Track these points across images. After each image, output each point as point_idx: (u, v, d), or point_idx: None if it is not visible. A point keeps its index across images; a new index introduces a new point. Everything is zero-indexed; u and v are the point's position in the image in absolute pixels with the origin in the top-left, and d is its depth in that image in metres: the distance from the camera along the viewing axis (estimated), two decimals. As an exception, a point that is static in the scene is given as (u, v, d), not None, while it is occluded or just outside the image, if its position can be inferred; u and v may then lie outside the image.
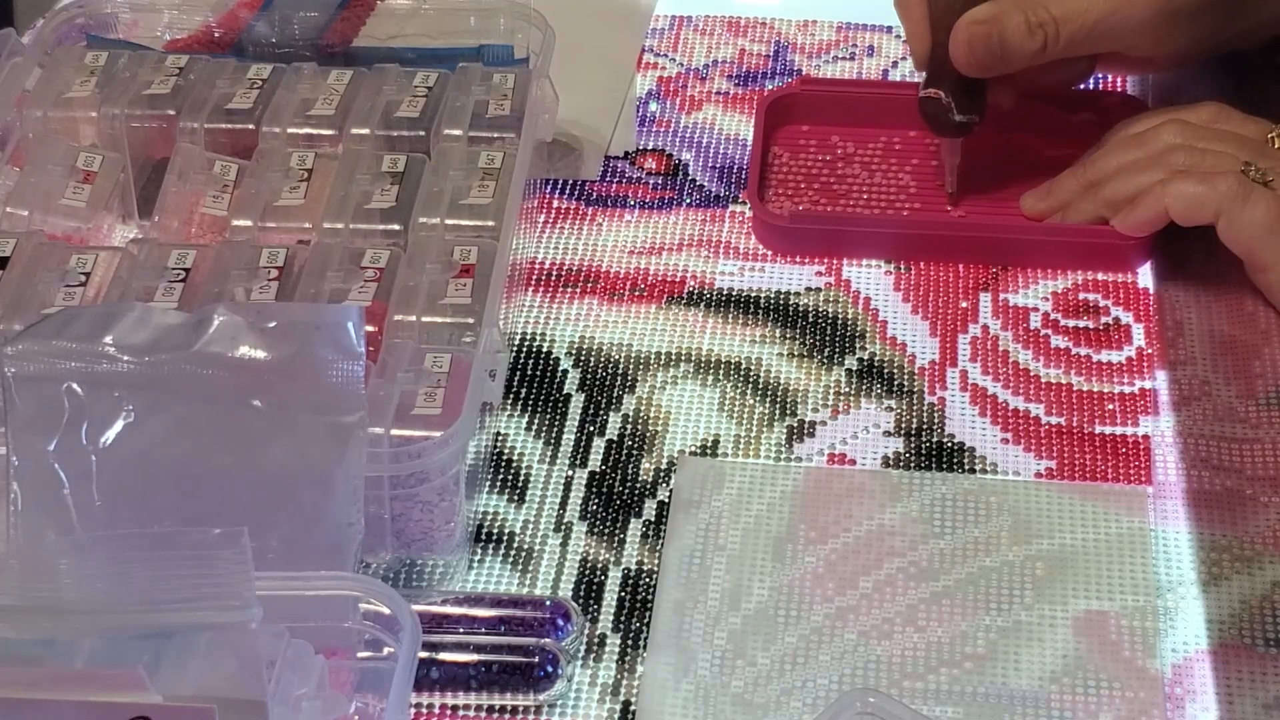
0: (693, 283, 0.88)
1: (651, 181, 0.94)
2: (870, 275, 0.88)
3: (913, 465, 0.78)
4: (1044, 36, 0.82)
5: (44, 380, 0.66)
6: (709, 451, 0.79)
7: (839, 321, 0.85)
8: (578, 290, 0.87)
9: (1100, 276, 0.87)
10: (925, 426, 0.80)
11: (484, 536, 0.75)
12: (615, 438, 0.80)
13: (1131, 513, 0.75)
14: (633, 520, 0.76)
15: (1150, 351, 0.83)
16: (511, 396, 0.82)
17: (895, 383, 0.82)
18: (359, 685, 0.64)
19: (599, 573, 0.74)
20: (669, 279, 0.88)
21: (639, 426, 0.80)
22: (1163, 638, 0.71)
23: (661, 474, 0.78)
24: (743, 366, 0.83)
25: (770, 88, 1.00)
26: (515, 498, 0.77)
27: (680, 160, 0.95)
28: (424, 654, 0.67)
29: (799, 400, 0.81)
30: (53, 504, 0.65)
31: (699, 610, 0.72)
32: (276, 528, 0.65)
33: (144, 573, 0.56)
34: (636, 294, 0.87)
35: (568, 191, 0.93)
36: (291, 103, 0.87)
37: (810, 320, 0.85)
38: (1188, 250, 0.87)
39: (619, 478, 0.78)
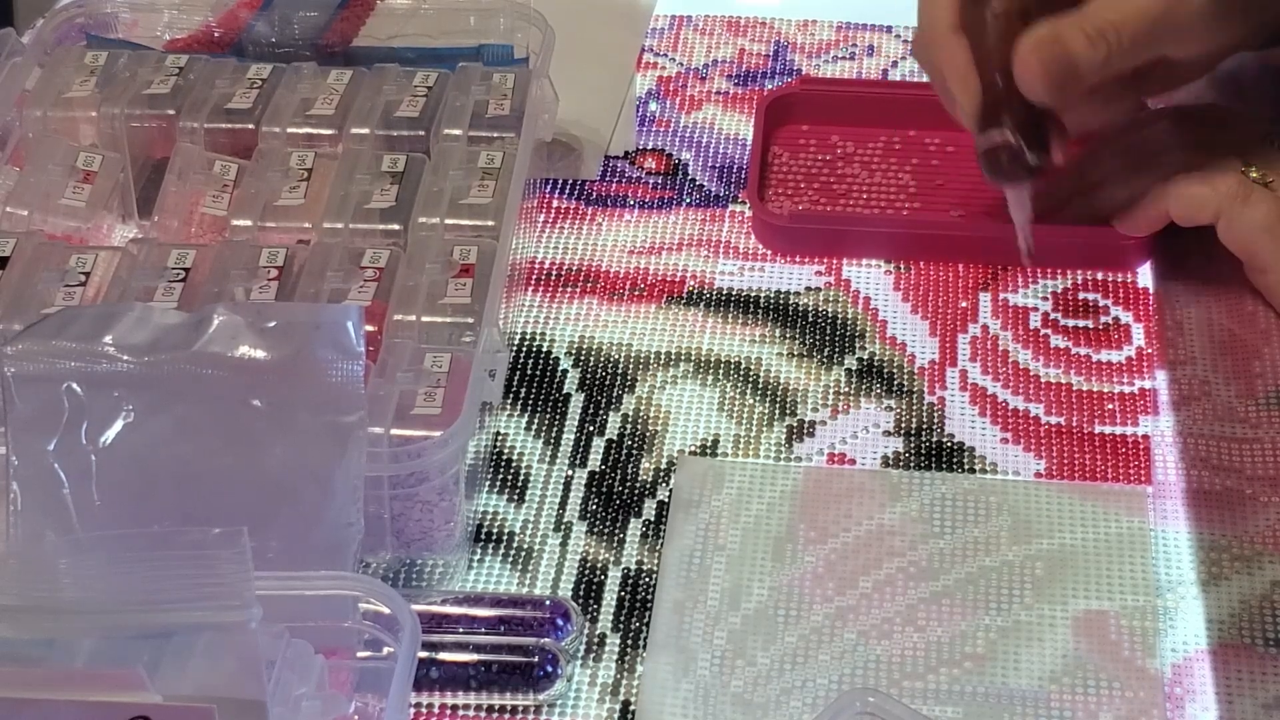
0: (692, 282, 0.88)
1: (651, 181, 0.94)
2: (870, 275, 0.88)
3: (912, 465, 0.78)
4: (1106, 45, 0.78)
5: (44, 380, 0.66)
6: (709, 451, 0.79)
7: (839, 321, 0.85)
8: (577, 290, 0.87)
9: (1100, 276, 0.87)
10: (925, 426, 0.80)
11: (484, 536, 0.75)
12: (615, 437, 0.80)
13: (1131, 512, 0.75)
14: (632, 520, 0.76)
15: (1150, 351, 0.83)
16: (511, 396, 0.81)
17: (895, 382, 0.82)
18: (359, 685, 0.64)
19: (599, 572, 0.74)
20: (669, 279, 0.88)
21: (639, 426, 0.80)
22: (1163, 637, 0.70)
23: (661, 474, 0.78)
24: (742, 366, 0.83)
25: (770, 87, 1.00)
26: (515, 497, 0.77)
27: (680, 160, 0.95)
28: (424, 654, 0.67)
29: (799, 400, 0.81)
30: (52, 504, 0.65)
31: (699, 610, 0.72)
32: (276, 528, 0.65)
33: (144, 572, 0.56)
34: (636, 294, 0.87)
35: (568, 191, 0.93)
36: (291, 102, 0.87)
37: (810, 320, 0.85)
38: (1188, 250, 0.87)
39: (619, 477, 0.78)
